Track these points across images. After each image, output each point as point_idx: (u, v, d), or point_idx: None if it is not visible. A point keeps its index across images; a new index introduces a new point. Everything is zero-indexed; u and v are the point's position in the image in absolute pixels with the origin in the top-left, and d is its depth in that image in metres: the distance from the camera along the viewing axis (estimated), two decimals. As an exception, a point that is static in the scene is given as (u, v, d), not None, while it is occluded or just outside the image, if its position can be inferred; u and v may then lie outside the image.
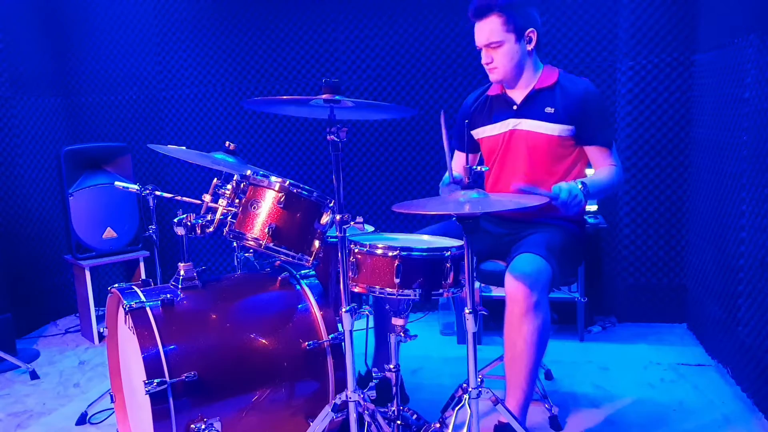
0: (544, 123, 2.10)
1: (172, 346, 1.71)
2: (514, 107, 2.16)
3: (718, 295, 2.64)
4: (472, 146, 2.30)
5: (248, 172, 1.88)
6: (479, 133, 2.27)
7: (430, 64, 3.38)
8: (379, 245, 1.72)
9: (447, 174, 2.03)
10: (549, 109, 2.09)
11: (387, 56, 3.42)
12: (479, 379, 1.68)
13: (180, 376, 1.67)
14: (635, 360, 2.80)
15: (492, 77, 2.14)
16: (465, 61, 3.33)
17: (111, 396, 2.10)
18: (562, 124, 2.08)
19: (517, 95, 2.17)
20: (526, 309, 1.83)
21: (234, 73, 3.60)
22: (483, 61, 2.12)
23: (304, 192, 1.83)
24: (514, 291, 1.84)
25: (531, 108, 2.13)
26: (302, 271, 2.04)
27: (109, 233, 3.27)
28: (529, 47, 2.10)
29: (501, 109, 2.20)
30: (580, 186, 1.91)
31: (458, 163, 2.40)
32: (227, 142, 2.16)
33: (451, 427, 1.68)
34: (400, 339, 1.82)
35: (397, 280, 1.68)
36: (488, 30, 2.05)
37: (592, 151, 2.13)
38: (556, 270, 1.90)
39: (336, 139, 1.61)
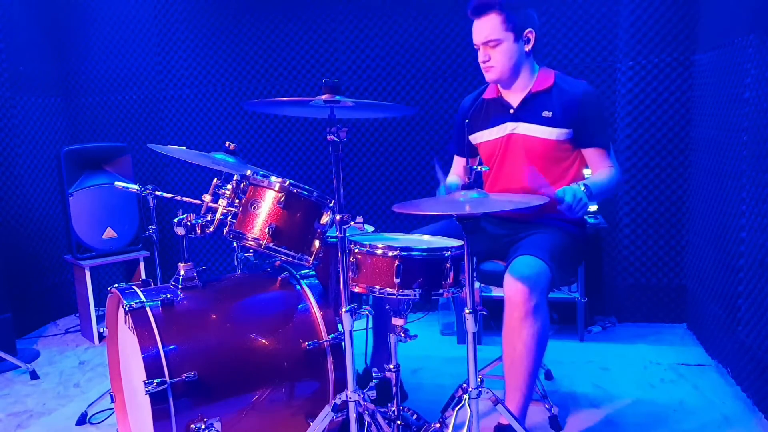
0: (542, 127, 2.08)
1: (172, 346, 1.71)
2: (511, 111, 2.15)
3: (718, 295, 2.64)
4: (471, 151, 2.30)
5: (248, 172, 1.88)
6: (477, 138, 2.25)
7: (430, 64, 3.38)
8: (379, 245, 1.72)
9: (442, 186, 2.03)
10: (546, 113, 2.08)
11: (387, 56, 3.42)
12: (479, 379, 1.68)
13: (180, 376, 1.67)
14: (635, 360, 2.80)
15: (488, 76, 2.12)
16: (465, 62, 3.33)
17: (111, 396, 2.10)
18: (559, 128, 2.06)
19: (514, 98, 2.15)
20: (525, 313, 1.82)
21: (234, 73, 3.60)
22: (480, 59, 2.10)
23: (304, 192, 1.83)
24: (513, 294, 1.83)
25: (528, 112, 2.11)
26: (302, 271, 2.04)
27: (109, 233, 3.27)
28: (527, 48, 2.08)
29: (498, 112, 2.19)
30: (582, 188, 1.90)
31: (455, 167, 2.40)
32: (227, 142, 2.16)
33: (451, 427, 1.68)
34: (400, 339, 1.82)
35: (397, 280, 1.68)
36: (487, 28, 2.03)
37: (590, 153, 2.11)
38: (556, 272, 1.89)
39: (336, 139, 1.60)
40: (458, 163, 2.41)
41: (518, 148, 2.14)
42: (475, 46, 2.11)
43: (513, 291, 1.83)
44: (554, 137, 2.07)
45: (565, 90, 2.08)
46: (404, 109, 1.84)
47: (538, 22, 2.10)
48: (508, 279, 1.85)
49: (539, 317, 1.83)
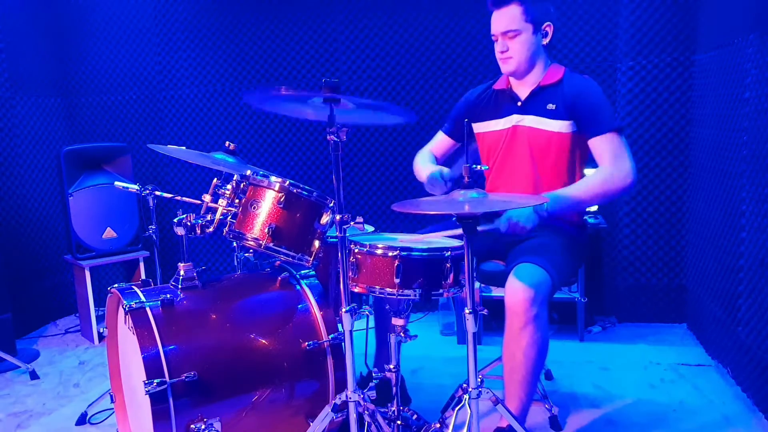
0: (546, 119, 2.09)
1: (172, 346, 1.71)
2: (519, 103, 2.16)
3: (718, 295, 2.64)
4: (459, 134, 2.31)
5: (248, 172, 1.88)
6: (481, 127, 2.26)
7: (430, 64, 3.38)
8: (379, 245, 1.72)
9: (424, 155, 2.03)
10: (551, 106, 2.09)
11: (387, 56, 3.42)
12: (479, 379, 1.68)
13: (180, 376, 1.67)
14: (635, 360, 2.80)
15: (504, 68, 2.13)
16: (465, 62, 3.33)
17: (111, 396, 2.10)
18: (562, 120, 2.07)
19: (523, 91, 2.17)
20: (525, 322, 1.82)
21: (234, 74, 3.60)
22: (498, 50, 2.11)
23: (304, 192, 1.83)
24: (513, 304, 1.83)
25: (534, 104, 2.13)
26: (302, 271, 2.04)
27: (109, 233, 3.27)
28: (545, 41, 2.11)
29: (506, 104, 2.20)
30: (546, 206, 1.92)
31: (438, 144, 2.42)
32: (227, 142, 2.16)
33: (451, 427, 1.68)
34: (401, 339, 1.82)
35: (397, 280, 1.68)
36: (507, 18, 2.06)
37: (594, 145, 2.06)
38: (556, 280, 1.89)
39: (336, 139, 1.60)
40: (443, 141, 2.40)
41: (522, 140, 2.15)
42: (493, 37, 2.12)
43: (513, 300, 1.83)
44: (557, 129, 2.08)
45: (569, 84, 2.10)
46: (406, 115, 1.82)
47: (556, 18, 2.12)
48: (509, 288, 1.85)
49: (539, 327, 1.83)
